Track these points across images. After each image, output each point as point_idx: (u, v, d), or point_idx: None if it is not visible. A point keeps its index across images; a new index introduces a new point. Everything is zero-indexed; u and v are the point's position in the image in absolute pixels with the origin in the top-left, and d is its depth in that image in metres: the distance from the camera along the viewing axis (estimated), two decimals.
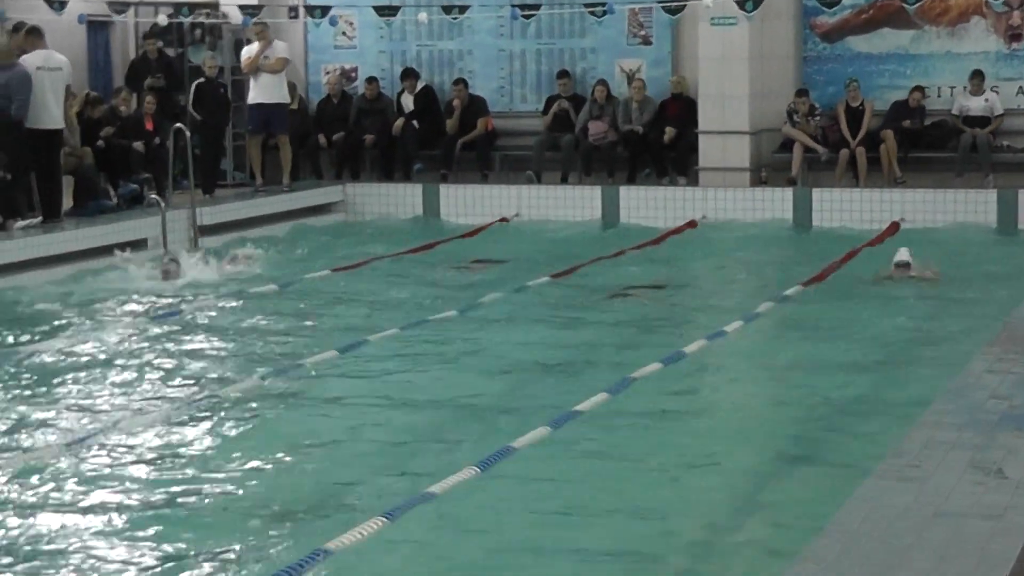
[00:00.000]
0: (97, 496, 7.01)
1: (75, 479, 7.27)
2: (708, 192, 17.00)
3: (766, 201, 16.80)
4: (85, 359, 10.11)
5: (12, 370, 9.79)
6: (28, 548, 6.33)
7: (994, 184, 16.55)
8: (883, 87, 17.70)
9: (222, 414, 8.57)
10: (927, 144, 17.28)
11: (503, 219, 17.29)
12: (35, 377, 9.60)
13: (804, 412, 8.54)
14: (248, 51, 17.56)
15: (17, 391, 9.19)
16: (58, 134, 14.83)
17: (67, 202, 15.39)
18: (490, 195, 17.69)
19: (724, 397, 9.11)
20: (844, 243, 14.82)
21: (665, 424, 8.25)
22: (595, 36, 18.73)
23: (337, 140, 18.81)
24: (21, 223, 14.28)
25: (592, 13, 17.55)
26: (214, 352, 10.49)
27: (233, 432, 8.23)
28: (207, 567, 6.08)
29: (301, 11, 19.10)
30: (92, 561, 6.18)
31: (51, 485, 7.17)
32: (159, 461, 7.62)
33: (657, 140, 17.79)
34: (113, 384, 9.40)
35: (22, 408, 8.74)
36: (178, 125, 15.80)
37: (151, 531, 6.51)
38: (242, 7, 18.41)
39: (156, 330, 11.18)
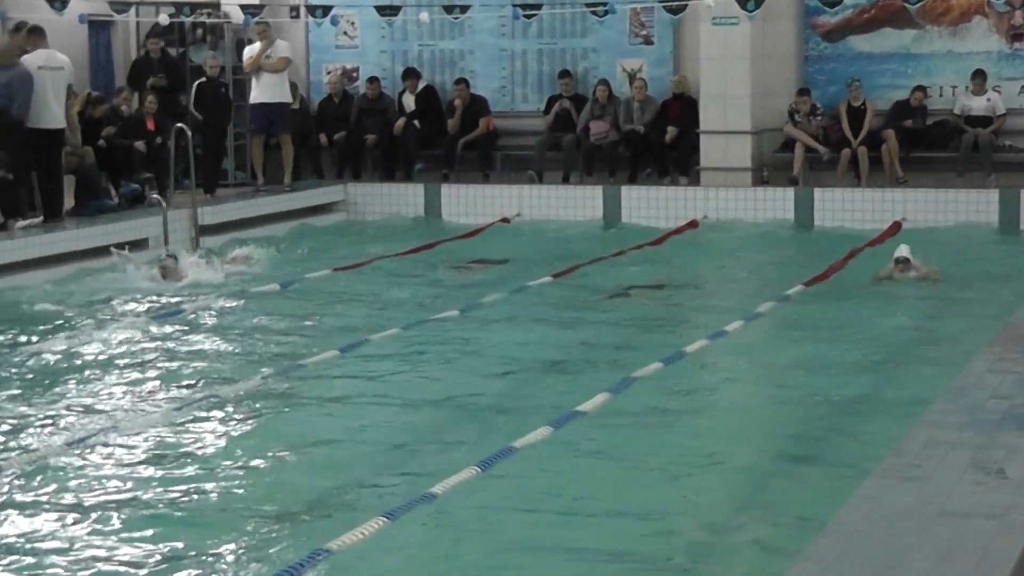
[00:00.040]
0: (97, 496, 7.01)
1: (75, 479, 7.27)
2: (709, 192, 16.99)
3: (767, 201, 16.79)
4: (86, 359, 10.11)
5: (13, 370, 9.79)
6: (28, 548, 6.33)
7: (996, 184, 16.54)
8: (885, 87, 17.69)
9: (222, 414, 8.57)
10: (929, 144, 17.27)
11: (504, 219, 17.28)
12: (36, 377, 9.60)
13: (804, 412, 8.54)
14: (250, 50, 17.57)
15: (18, 390, 9.18)
16: (60, 134, 14.83)
17: (68, 202, 15.40)
18: (491, 195, 17.69)
19: (724, 397, 9.11)
20: (846, 243, 14.81)
21: (665, 424, 8.25)
22: (596, 36, 18.73)
23: (338, 140, 18.80)
24: (22, 223, 14.28)
25: (593, 13, 17.54)
26: (215, 352, 10.49)
27: (233, 432, 8.23)
28: (207, 567, 6.08)
29: (302, 11, 19.09)
30: (92, 561, 6.17)
31: (51, 485, 7.17)
32: (159, 461, 7.61)
33: (658, 140, 17.79)
34: (114, 384, 9.40)
35: (22, 408, 8.74)
36: (179, 125, 15.81)
37: (151, 531, 6.51)
38: (243, 7, 18.40)
39: (157, 330, 11.18)
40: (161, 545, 6.33)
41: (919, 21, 17.56)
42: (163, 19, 18.14)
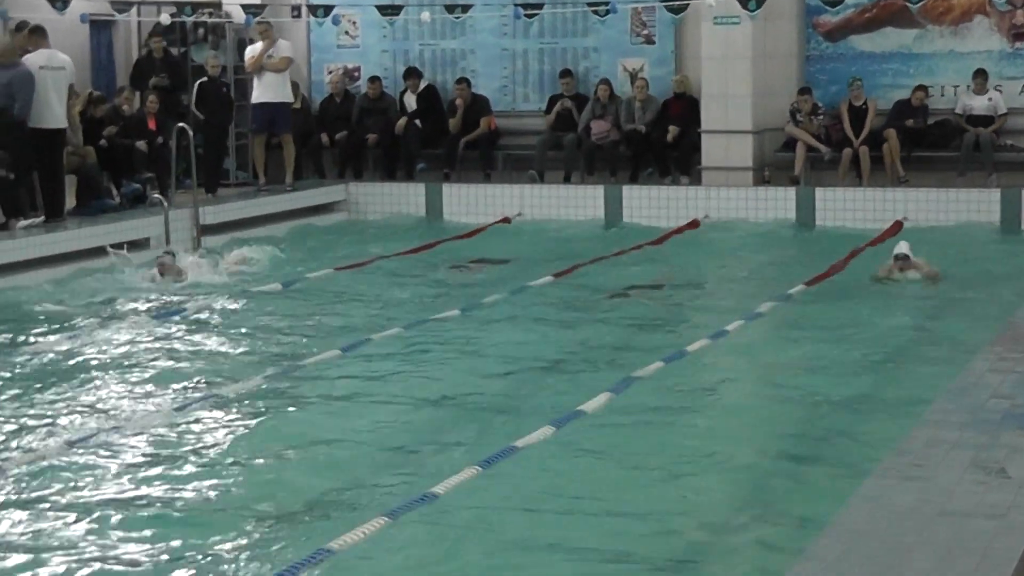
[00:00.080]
0: (97, 496, 7.01)
1: (75, 479, 7.26)
2: (711, 191, 16.99)
3: (769, 200, 16.78)
4: (87, 359, 10.11)
5: (14, 369, 9.79)
6: (28, 548, 6.32)
7: (997, 183, 16.54)
8: (886, 86, 17.69)
9: (223, 414, 8.57)
10: (930, 143, 17.26)
11: (506, 218, 17.28)
12: (36, 377, 9.59)
13: (805, 412, 8.53)
14: (252, 50, 17.56)
15: (18, 390, 9.18)
16: (61, 133, 14.84)
17: (70, 201, 15.40)
18: (493, 194, 17.68)
19: (724, 397, 9.09)
20: (847, 242, 14.80)
21: (665, 424, 8.24)
22: (598, 35, 18.73)
23: (340, 139, 18.80)
24: (24, 222, 14.28)
25: (595, 12, 17.53)
26: (216, 351, 10.49)
27: (234, 432, 8.22)
28: (207, 567, 6.08)
29: (304, 10, 19.09)
30: (92, 561, 6.17)
31: (51, 485, 7.17)
32: (159, 461, 7.60)
33: (660, 139, 17.78)
34: (114, 383, 9.39)
35: (23, 407, 8.74)
36: (181, 124, 15.81)
37: (151, 531, 6.50)
38: (244, 6, 18.40)
39: (158, 329, 11.18)
40: (161, 545, 6.32)
41: (920, 20, 17.56)
42: (164, 19, 18.15)
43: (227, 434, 8.16)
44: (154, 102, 17.11)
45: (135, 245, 14.52)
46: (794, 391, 9.01)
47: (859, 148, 17.11)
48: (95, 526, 6.57)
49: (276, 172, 18.03)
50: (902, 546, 4.93)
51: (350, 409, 8.74)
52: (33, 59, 14.49)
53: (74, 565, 6.11)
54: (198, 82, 17.78)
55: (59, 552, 6.25)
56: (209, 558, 6.17)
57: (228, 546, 6.28)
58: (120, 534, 6.48)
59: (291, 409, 8.79)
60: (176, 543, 6.35)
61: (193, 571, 6.04)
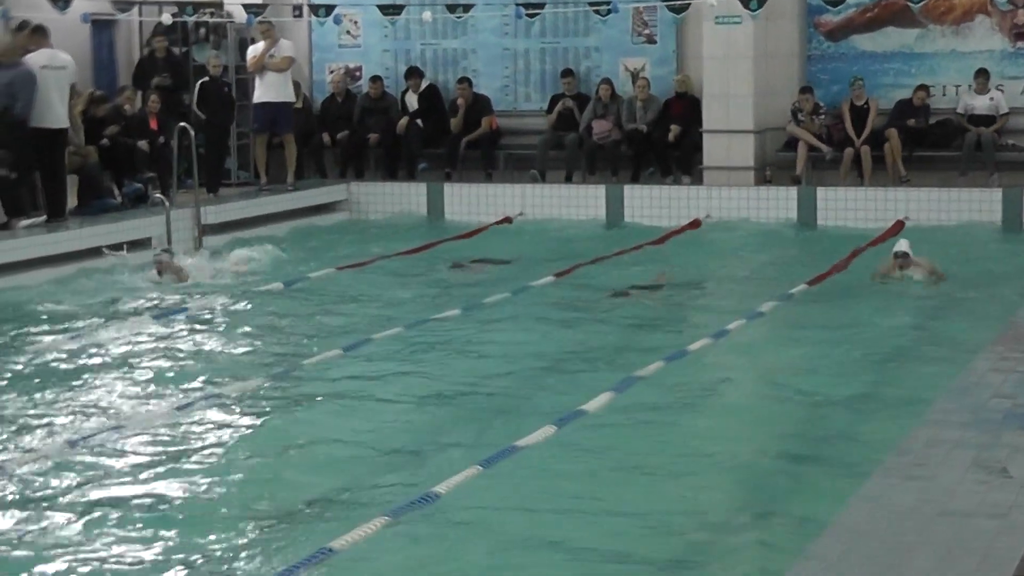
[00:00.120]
0: (97, 495, 7.01)
1: (76, 479, 7.26)
2: (712, 191, 16.98)
3: (770, 200, 16.78)
4: (88, 358, 10.11)
5: (15, 369, 9.79)
6: (28, 547, 6.32)
7: (999, 183, 16.53)
8: (888, 86, 17.68)
9: (224, 413, 8.57)
10: (932, 143, 17.25)
11: (507, 218, 17.27)
12: (38, 376, 9.59)
13: (806, 412, 8.53)
14: (254, 50, 17.56)
15: (19, 390, 9.18)
16: (62, 133, 14.83)
17: (71, 201, 15.40)
18: (494, 194, 17.68)
19: (725, 397, 9.08)
20: (848, 242, 14.80)
21: (665, 424, 8.23)
22: (599, 35, 18.72)
23: (341, 139, 18.80)
24: (25, 222, 14.29)
25: (596, 12, 17.52)
26: (217, 351, 10.49)
27: (234, 431, 8.22)
28: (207, 567, 6.08)
29: (305, 10, 19.09)
30: (92, 561, 6.17)
31: (52, 484, 7.17)
32: (160, 460, 7.60)
33: (661, 139, 17.78)
34: (115, 383, 9.39)
35: (24, 407, 8.74)
36: (182, 124, 15.81)
37: (151, 531, 6.50)
38: (246, 6, 18.41)
39: (159, 329, 11.18)
40: (161, 545, 6.32)
41: (922, 20, 17.55)
42: (166, 18, 18.16)
43: (228, 434, 8.16)
44: (156, 102, 17.11)
45: (136, 245, 14.52)
46: (795, 391, 9.00)
47: (860, 148, 17.10)
48: (95, 526, 6.57)
49: (278, 172, 18.03)
50: (903, 546, 4.93)
51: (351, 409, 8.74)
52: (35, 59, 14.49)
53: (74, 565, 6.11)
54: (200, 82, 17.78)
55: (59, 552, 6.25)
56: (209, 558, 6.17)
57: (228, 546, 6.28)
58: (120, 534, 6.48)
59: (292, 409, 8.79)
60: (176, 543, 6.35)
61: (193, 571, 6.04)
